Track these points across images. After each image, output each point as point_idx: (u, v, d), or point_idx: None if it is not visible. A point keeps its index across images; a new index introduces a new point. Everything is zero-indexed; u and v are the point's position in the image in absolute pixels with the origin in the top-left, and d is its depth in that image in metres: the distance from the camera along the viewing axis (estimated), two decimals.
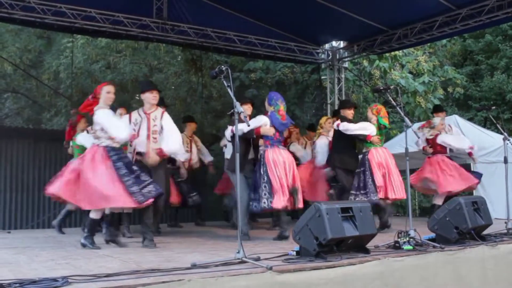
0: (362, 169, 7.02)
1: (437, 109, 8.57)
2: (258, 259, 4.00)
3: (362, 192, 6.95)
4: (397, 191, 6.99)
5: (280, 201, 5.78)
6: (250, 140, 6.24)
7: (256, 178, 5.99)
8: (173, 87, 15.36)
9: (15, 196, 8.97)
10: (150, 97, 5.75)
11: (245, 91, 13.84)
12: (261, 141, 6.41)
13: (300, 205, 6.02)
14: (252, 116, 6.39)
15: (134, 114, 5.77)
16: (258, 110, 6.48)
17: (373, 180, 6.90)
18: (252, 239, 6.12)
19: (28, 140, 9.28)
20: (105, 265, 4.08)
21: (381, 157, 7.00)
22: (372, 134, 6.97)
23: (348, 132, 6.99)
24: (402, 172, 8.92)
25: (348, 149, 7.18)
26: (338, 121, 7.21)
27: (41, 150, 9.11)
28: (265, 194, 5.83)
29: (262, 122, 5.99)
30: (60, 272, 3.60)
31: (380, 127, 7.09)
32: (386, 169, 6.97)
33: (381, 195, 6.87)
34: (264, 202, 5.81)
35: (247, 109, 6.42)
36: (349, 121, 7.18)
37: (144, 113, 5.77)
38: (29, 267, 4.10)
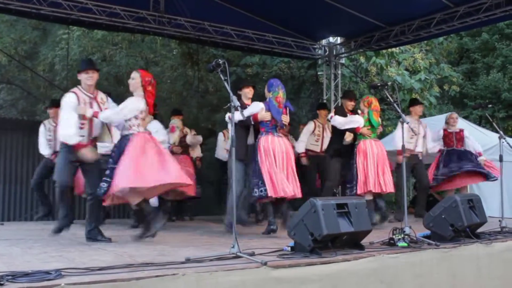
0: (351, 162, 7.09)
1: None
2: (252, 254, 3.98)
3: (349, 185, 7.05)
4: (384, 185, 6.93)
5: (270, 190, 5.68)
6: (248, 126, 6.19)
7: (253, 165, 5.94)
8: (169, 81, 15.30)
9: (9, 188, 8.93)
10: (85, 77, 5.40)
11: None
12: None
13: (296, 195, 5.87)
14: (252, 100, 6.39)
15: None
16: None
17: (357, 174, 6.95)
18: (247, 234, 6.08)
19: (23, 132, 9.22)
20: (99, 258, 4.06)
21: (369, 149, 6.98)
22: (361, 126, 7.02)
23: (338, 127, 7.16)
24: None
25: (340, 139, 7.30)
26: (332, 114, 7.34)
27: (35, 141, 8.99)
28: (258, 183, 5.76)
29: (258, 108, 5.96)
30: (53, 265, 3.57)
31: (370, 120, 7.08)
32: (374, 162, 6.94)
33: (362, 189, 6.87)
34: (262, 191, 5.73)
35: (248, 92, 6.42)
36: (348, 111, 7.32)
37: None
38: (22, 259, 4.07)
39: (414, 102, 8.67)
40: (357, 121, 7.04)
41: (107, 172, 5.17)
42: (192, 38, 10.01)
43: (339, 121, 7.14)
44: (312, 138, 8.30)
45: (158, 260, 3.79)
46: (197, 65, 13.98)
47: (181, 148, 8.11)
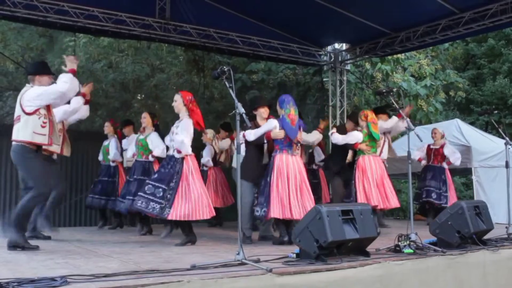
0: (352, 177, 7.09)
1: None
2: (258, 261, 3.98)
3: (347, 200, 7.02)
4: (387, 200, 6.94)
5: (275, 212, 5.60)
6: (262, 146, 6.13)
7: (262, 184, 5.86)
8: (174, 88, 15.32)
9: (16, 194, 8.93)
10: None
11: (247, 92, 13.82)
12: None
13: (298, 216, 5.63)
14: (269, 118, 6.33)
15: None
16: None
17: (355, 189, 6.93)
18: (252, 241, 6.08)
19: None
20: (104, 265, 4.07)
21: (367, 165, 6.98)
22: (359, 141, 7.05)
23: (337, 143, 7.28)
24: (404, 176, 8.99)
25: (343, 156, 7.46)
26: (334, 130, 7.45)
27: None
28: (262, 202, 5.71)
29: (272, 126, 5.86)
30: (59, 272, 3.58)
31: (370, 134, 7.07)
32: (373, 178, 6.93)
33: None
34: (264, 211, 5.67)
35: (263, 112, 6.22)
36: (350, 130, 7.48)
37: None
38: (28, 266, 4.08)
39: (380, 110, 8.47)
40: (355, 136, 7.08)
41: (163, 194, 5.50)
42: (197, 45, 10.05)
43: (338, 139, 7.24)
44: None
45: (163, 267, 3.80)
46: (203, 72, 14.01)
47: None
